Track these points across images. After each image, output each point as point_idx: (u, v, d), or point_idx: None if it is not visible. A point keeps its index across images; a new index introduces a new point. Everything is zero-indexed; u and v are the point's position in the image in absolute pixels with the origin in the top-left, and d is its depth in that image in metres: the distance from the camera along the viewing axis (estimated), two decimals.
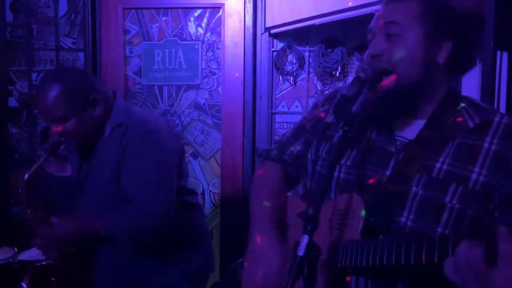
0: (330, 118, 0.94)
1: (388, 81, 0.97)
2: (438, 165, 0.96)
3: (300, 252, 0.83)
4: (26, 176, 1.60)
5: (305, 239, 0.84)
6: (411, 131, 1.01)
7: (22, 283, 1.77)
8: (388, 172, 0.99)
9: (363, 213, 0.95)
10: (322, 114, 1.18)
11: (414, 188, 0.96)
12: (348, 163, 1.04)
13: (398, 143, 1.01)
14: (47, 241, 1.52)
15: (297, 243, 0.85)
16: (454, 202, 0.93)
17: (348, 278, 0.98)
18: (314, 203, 0.86)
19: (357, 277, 0.98)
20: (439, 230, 0.93)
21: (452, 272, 0.76)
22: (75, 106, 1.52)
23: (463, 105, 1.00)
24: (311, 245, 0.84)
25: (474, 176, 0.93)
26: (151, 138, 1.55)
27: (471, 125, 0.96)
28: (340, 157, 0.97)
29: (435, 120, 0.99)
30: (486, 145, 0.95)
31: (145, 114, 1.68)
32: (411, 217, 0.96)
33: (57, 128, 1.54)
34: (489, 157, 0.94)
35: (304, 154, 1.21)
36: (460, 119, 0.97)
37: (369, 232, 0.95)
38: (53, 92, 1.50)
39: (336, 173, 1.05)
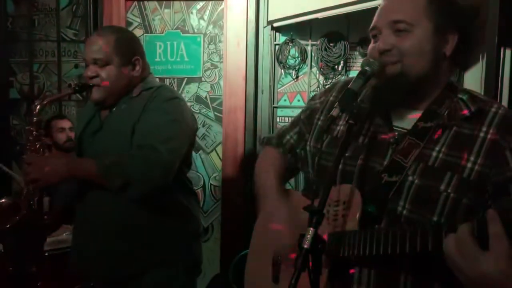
0: (335, 112, 0.95)
1: (394, 68, 0.99)
2: (434, 154, 0.97)
3: (306, 245, 0.83)
4: (44, 102, 1.65)
5: (310, 232, 0.84)
6: (408, 122, 1.03)
7: None
8: (385, 162, 1.01)
9: (360, 204, 0.97)
10: (317, 106, 1.21)
11: (410, 177, 0.97)
12: (348, 154, 1.06)
13: (396, 133, 1.03)
14: (36, 167, 1.51)
15: (302, 236, 0.85)
16: (449, 191, 0.94)
17: (351, 271, 0.98)
18: (320, 196, 0.87)
19: (361, 268, 0.99)
20: (435, 219, 0.95)
21: (453, 247, 0.78)
22: (118, 56, 1.60)
23: (460, 96, 1.02)
24: (316, 238, 0.85)
25: (469, 165, 0.95)
26: (177, 103, 1.62)
27: (466, 113, 0.98)
28: (345, 150, 0.98)
29: (431, 111, 1.01)
30: (481, 134, 0.96)
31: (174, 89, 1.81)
32: (407, 206, 0.97)
33: (91, 72, 1.59)
34: (484, 147, 0.95)
35: (297, 144, 1.25)
36: (456, 108, 1.00)
37: (366, 222, 0.97)
38: (107, 36, 1.60)
39: (340, 165, 1.05)
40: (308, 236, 0.83)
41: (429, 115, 1.01)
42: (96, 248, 1.62)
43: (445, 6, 0.99)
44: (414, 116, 1.03)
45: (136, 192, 1.49)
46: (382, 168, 1.00)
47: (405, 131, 1.03)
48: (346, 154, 1.05)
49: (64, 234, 2.24)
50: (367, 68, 1.00)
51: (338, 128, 1.12)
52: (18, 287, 1.82)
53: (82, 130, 1.71)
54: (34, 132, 1.63)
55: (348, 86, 0.97)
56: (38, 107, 1.63)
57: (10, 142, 3.10)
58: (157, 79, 1.74)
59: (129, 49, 1.63)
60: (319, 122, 1.18)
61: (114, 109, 1.65)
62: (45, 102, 1.66)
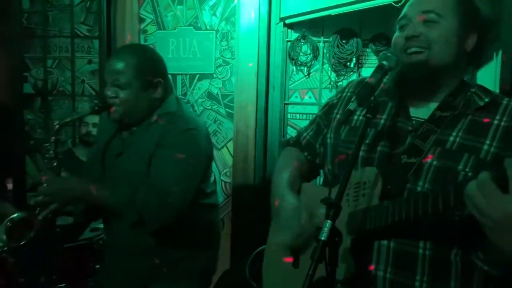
0: (352, 105, 0.96)
1: (420, 56, 1.04)
2: (451, 138, 1.03)
3: (323, 237, 0.84)
4: (63, 122, 1.63)
5: (327, 224, 0.85)
6: (425, 112, 1.08)
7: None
8: (405, 148, 1.06)
9: (380, 183, 1.01)
10: (335, 102, 1.26)
11: (429, 160, 1.01)
12: (368, 142, 1.09)
13: (413, 122, 1.08)
14: (52, 188, 1.52)
15: (319, 228, 0.86)
16: (467, 170, 0.99)
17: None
18: (340, 184, 0.89)
19: (380, 241, 1.03)
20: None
21: (475, 189, 0.81)
22: (140, 79, 1.57)
23: (473, 90, 1.08)
24: (333, 231, 0.85)
25: (485, 147, 1.00)
26: (191, 136, 1.59)
27: (481, 103, 1.04)
28: (364, 137, 1.01)
29: (447, 102, 1.07)
30: (495, 121, 1.02)
31: (191, 113, 1.76)
32: (426, 186, 1.01)
33: (111, 92, 1.57)
34: (499, 132, 1.01)
35: (314, 139, 1.29)
36: (470, 100, 1.06)
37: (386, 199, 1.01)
38: (128, 58, 1.57)
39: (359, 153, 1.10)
40: (325, 229, 0.84)
41: (446, 105, 1.06)
42: (114, 264, 1.69)
43: (470, 8, 1.07)
44: (429, 107, 1.08)
45: (149, 229, 1.56)
46: (401, 151, 1.05)
47: (422, 120, 1.08)
48: (366, 141, 1.09)
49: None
50: (384, 62, 1.01)
51: (356, 118, 1.16)
52: None
53: (105, 149, 1.71)
54: (51, 151, 1.61)
55: (366, 80, 0.98)
56: (57, 127, 1.61)
57: (24, 136, 3.14)
58: (177, 98, 1.70)
59: (150, 72, 1.59)
60: (337, 116, 1.23)
61: (135, 132, 1.65)
62: (64, 123, 1.63)
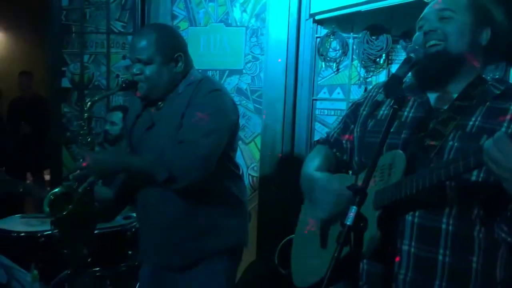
0: (380, 97, 0.99)
1: (437, 47, 1.11)
2: (470, 123, 1.08)
3: (348, 221, 0.87)
4: (95, 99, 1.75)
5: (353, 210, 0.88)
6: (445, 103, 1.14)
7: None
8: (427, 132, 1.11)
9: (404, 163, 1.06)
10: (362, 101, 1.33)
11: (450, 142, 1.07)
12: (393, 130, 1.13)
13: (435, 112, 1.14)
14: (87, 162, 1.60)
15: (344, 214, 0.90)
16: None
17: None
18: (367, 170, 0.92)
19: (404, 216, 1.09)
20: (474, 175, 1.04)
21: (492, 144, 0.87)
22: (161, 54, 1.65)
23: (490, 82, 1.14)
24: (359, 216, 0.89)
25: (503, 129, 1.04)
26: (218, 95, 1.67)
27: (497, 92, 1.10)
28: (391, 127, 1.05)
29: (466, 93, 1.13)
30: None
31: (217, 81, 1.87)
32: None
33: (136, 69, 1.66)
34: None
35: (342, 136, 1.36)
36: (488, 91, 1.12)
37: None
38: (148, 35, 1.66)
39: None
40: (351, 214, 0.88)
41: (464, 96, 1.12)
42: (153, 239, 1.74)
43: (482, 6, 1.15)
44: (449, 98, 1.14)
45: (179, 185, 1.58)
46: (423, 135, 1.11)
47: (443, 110, 1.13)
48: (391, 130, 1.12)
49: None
50: (412, 55, 1.03)
51: (381, 112, 1.23)
52: (73, 267, 1.96)
53: (133, 125, 1.80)
54: (85, 127, 1.73)
55: (393, 72, 1.01)
56: (89, 104, 1.72)
57: (61, 129, 3.29)
58: (200, 71, 1.79)
59: (170, 46, 1.68)
60: (364, 112, 1.28)
61: (162, 105, 1.73)
62: (96, 99, 1.75)
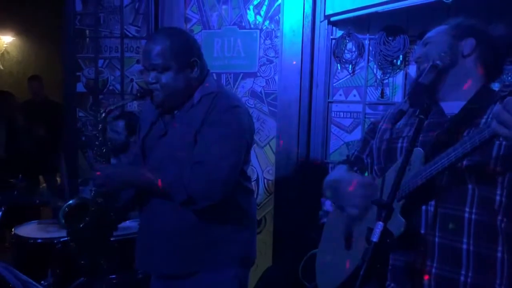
0: (405, 106, 0.96)
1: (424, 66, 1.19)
2: (483, 121, 1.12)
3: (375, 238, 0.84)
4: (110, 108, 1.72)
5: (379, 226, 0.85)
6: (456, 108, 1.18)
7: None
8: (443, 130, 1.15)
9: (423, 157, 1.08)
10: (379, 119, 1.39)
11: (465, 139, 1.06)
12: (410, 134, 1.16)
13: (448, 117, 1.19)
14: (102, 175, 1.59)
15: (370, 229, 0.87)
16: (501, 139, 1.05)
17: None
18: (393, 184, 0.91)
19: (427, 207, 1.11)
20: (492, 162, 1.06)
21: (501, 108, 0.87)
22: (177, 60, 1.61)
23: (497, 89, 1.19)
24: (385, 232, 0.85)
25: None
26: (235, 112, 1.63)
27: (505, 93, 1.14)
28: (417, 138, 1.07)
29: (475, 98, 1.17)
30: None
31: (232, 92, 1.84)
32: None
33: (152, 78, 1.62)
34: None
35: (362, 152, 1.40)
36: (496, 95, 1.17)
37: None
38: (162, 42, 1.61)
39: (399, 145, 1.23)
40: (377, 230, 0.85)
41: (474, 100, 1.17)
42: (156, 246, 1.71)
43: (459, 24, 1.24)
44: (459, 105, 1.18)
45: (198, 206, 1.57)
46: (439, 133, 1.15)
47: (455, 114, 1.18)
48: (409, 134, 1.18)
49: (127, 221, 2.37)
50: (438, 62, 1.00)
51: (400, 122, 1.25)
52: (89, 274, 1.95)
53: (147, 133, 1.77)
54: (100, 138, 1.70)
55: (418, 80, 0.98)
56: (103, 114, 1.69)
57: (76, 133, 3.30)
58: (215, 77, 1.75)
59: (186, 51, 1.64)
60: (383, 127, 1.32)
61: (177, 114, 1.69)
62: (110, 109, 1.72)
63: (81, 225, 1.68)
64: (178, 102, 1.67)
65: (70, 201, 1.75)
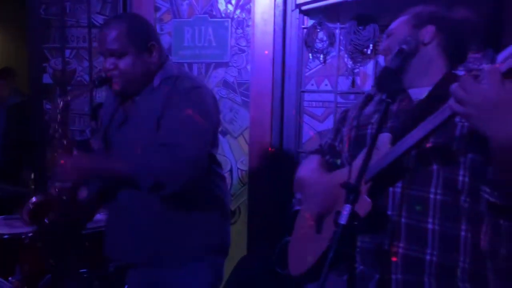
0: (373, 91, 0.97)
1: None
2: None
3: (342, 221, 0.85)
4: (67, 99, 1.64)
5: (347, 208, 0.86)
6: (423, 95, 1.19)
7: None
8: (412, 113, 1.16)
9: (390, 138, 1.10)
10: (349, 107, 1.41)
11: (428, 119, 1.08)
12: (377, 121, 1.15)
13: (415, 101, 1.20)
14: (65, 168, 1.53)
15: (338, 212, 0.87)
16: (462, 120, 1.06)
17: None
18: (360, 166, 0.91)
19: (393, 188, 1.13)
20: (454, 144, 1.08)
21: (456, 85, 0.89)
22: (134, 44, 1.57)
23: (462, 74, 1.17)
24: (353, 215, 0.86)
25: None
26: (198, 93, 1.60)
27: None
28: (383, 125, 1.06)
29: (440, 84, 1.17)
30: None
31: (194, 75, 1.78)
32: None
33: (110, 64, 1.57)
34: None
35: (334, 140, 1.42)
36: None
37: None
38: (118, 26, 1.57)
39: (369, 131, 1.24)
40: (345, 213, 0.85)
41: (440, 86, 1.17)
42: (126, 237, 1.68)
43: (419, 13, 1.25)
44: (426, 90, 1.19)
45: (167, 191, 1.51)
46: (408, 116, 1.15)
47: (421, 99, 1.18)
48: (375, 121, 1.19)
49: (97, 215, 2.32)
50: (404, 46, 1.01)
51: (368, 108, 1.28)
52: (60, 270, 1.90)
53: (109, 124, 1.72)
54: (59, 130, 1.61)
55: (385, 65, 0.99)
56: (61, 104, 1.61)
57: (43, 126, 3.20)
58: (186, 67, 1.72)
59: (143, 35, 1.60)
60: (353, 114, 1.34)
61: (137, 99, 1.65)
62: (68, 99, 1.64)
63: (46, 223, 1.61)
64: (138, 88, 1.63)
65: (34, 198, 1.67)
